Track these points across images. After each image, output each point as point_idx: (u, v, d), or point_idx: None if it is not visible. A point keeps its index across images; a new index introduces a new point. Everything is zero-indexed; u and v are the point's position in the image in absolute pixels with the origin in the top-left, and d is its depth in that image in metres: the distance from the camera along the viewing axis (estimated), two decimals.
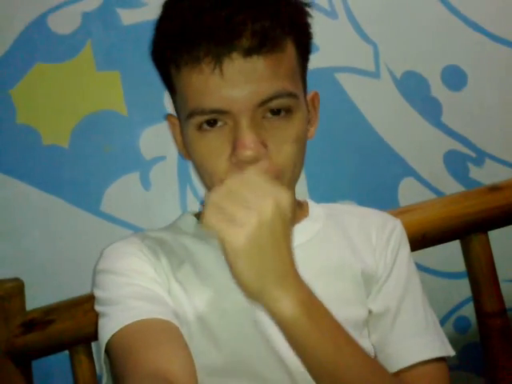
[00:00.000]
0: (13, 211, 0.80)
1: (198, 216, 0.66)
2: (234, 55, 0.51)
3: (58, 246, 0.81)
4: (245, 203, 0.44)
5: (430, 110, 0.93)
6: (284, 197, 0.45)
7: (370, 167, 0.91)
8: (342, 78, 0.90)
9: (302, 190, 0.88)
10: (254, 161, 0.53)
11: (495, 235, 0.83)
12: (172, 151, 0.84)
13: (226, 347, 0.57)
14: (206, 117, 0.54)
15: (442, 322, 0.93)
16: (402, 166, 0.92)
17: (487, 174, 0.93)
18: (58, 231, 0.81)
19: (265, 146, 0.54)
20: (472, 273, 0.81)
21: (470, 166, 0.94)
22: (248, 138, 0.52)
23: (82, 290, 0.72)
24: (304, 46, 0.59)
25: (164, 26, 0.56)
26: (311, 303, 0.48)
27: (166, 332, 0.54)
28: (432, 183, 0.93)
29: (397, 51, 0.92)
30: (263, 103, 0.53)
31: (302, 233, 0.63)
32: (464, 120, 0.94)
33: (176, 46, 0.54)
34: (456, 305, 0.94)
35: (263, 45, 0.52)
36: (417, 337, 0.61)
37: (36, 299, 0.71)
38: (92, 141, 0.82)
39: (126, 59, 0.83)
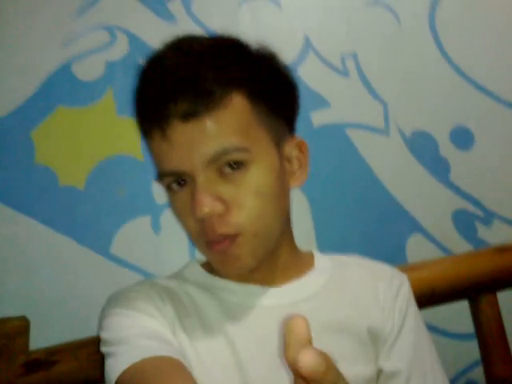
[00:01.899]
0: (24, 249, 0.80)
1: (204, 265, 0.67)
2: (174, 121, 0.54)
3: (66, 286, 0.81)
4: None
5: (439, 168, 0.95)
6: None
7: (378, 222, 0.92)
8: (352, 133, 0.93)
9: (310, 242, 0.88)
10: (209, 217, 0.54)
11: (504, 296, 0.83)
12: None
13: None
14: (169, 179, 0.57)
15: None
16: (410, 223, 0.93)
17: (495, 234, 0.94)
18: (67, 271, 0.81)
19: (223, 201, 0.55)
20: (481, 334, 0.79)
21: (479, 225, 0.95)
22: (200, 196, 0.54)
23: (88, 332, 0.71)
24: (267, 96, 0.58)
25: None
26: None
27: (176, 369, 0.53)
28: (440, 241, 0.93)
29: (406, 110, 0.95)
30: (211, 161, 0.54)
31: (306, 286, 0.63)
32: (472, 179, 0.95)
33: (136, 119, 0.60)
34: (465, 367, 0.92)
35: (199, 108, 0.54)
36: None
37: (41, 338, 0.70)
38: (107, 184, 0.84)
39: None
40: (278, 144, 0.60)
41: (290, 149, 0.62)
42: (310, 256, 0.69)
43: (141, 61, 0.61)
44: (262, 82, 0.58)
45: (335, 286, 0.65)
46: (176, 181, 0.57)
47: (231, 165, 0.55)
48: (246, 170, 0.56)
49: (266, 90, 0.59)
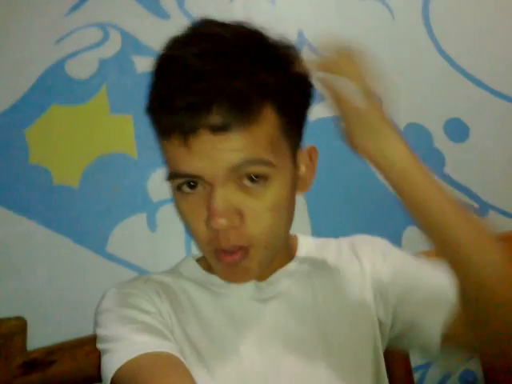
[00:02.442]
0: (20, 249, 0.80)
1: (200, 261, 0.67)
2: (201, 131, 0.51)
3: (62, 286, 0.81)
4: None
5: (433, 160, 0.95)
6: None
7: (374, 215, 0.92)
8: None
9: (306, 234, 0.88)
10: (226, 228, 0.53)
11: None
12: None
13: None
14: (183, 180, 0.55)
15: (447, 376, 0.91)
16: (406, 215, 0.92)
17: (490, 225, 0.94)
18: (63, 270, 0.81)
19: (240, 213, 0.54)
20: None
21: None
22: (220, 206, 0.52)
23: (85, 331, 0.71)
24: (292, 106, 0.57)
25: (149, 92, 0.58)
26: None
27: (173, 365, 0.53)
28: None
29: (400, 104, 0.95)
30: (235, 170, 0.52)
31: (294, 274, 0.64)
32: (467, 171, 0.96)
33: (152, 116, 0.57)
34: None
35: (233, 123, 0.51)
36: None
37: (37, 338, 0.70)
38: (102, 182, 0.84)
39: (140, 104, 0.86)
40: (295, 155, 0.59)
41: (301, 157, 0.61)
42: (295, 241, 0.69)
43: (159, 55, 0.57)
44: (290, 92, 0.55)
45: (321, 269, 0.65)
46: (187, 182, 0.55)
47: (252, 177, 0.54)
48: (267, 184, 0.54)
49: (293, 101, 0.57)
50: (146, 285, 0.62)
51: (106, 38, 0.86)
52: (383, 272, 0.64)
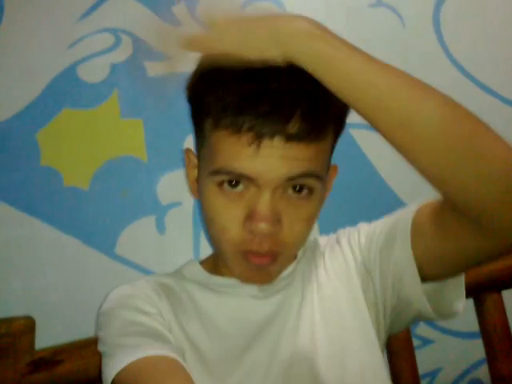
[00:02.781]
0: (29, 249, 0.81)
1: (203, 264, 0.68)
2: (275, 137, 0.52)
3: (70, 286, 0.81)
4: None
5: None
6: None
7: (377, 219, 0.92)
8: (356, 134, 0.93)
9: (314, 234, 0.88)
10: (267, 233, 0.54)
11: (509, 295, 0.82)
12: (188, 197, 0.86)
13: None
14: (230, 177, 0.55)
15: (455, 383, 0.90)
16: None
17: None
18: (72, 271, 0.82)
19: (279, 220, 0.55)
20: (486, 332, 0.79)
21: None
22: (266, 211, 0.53)
23: (92, 331, 0.72)
24: (340, 132, 0.60)
25: (213, 80, 0.55)
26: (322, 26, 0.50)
27: (172, 368, 0.53)
28: None
29: None
30: (291, 179, 0.54)
31: (294, 276, 0.65)
32: None
33: (221, 107, 0.54)
34: (470, 366, 0.91)
35: (306, 135, 0.53)
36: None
37: (45, 338, 0.71)
38: (111, 184, 0.84)
39: (150, 108, 0.87)
40: (328, 171, 0.61)
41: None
42: None
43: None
44: (343, 115, 0.58)
45: (315, 267, 0.66)
46: (232, 180, 0.55)
47: (297, 188, 0.55)
48: (311, 197, 0.56)
49: (343, 123, 0.59)
50: (147, 285, 0.63)
51: (117, 43, 0.87)
52: (360, 244, 0.64)
